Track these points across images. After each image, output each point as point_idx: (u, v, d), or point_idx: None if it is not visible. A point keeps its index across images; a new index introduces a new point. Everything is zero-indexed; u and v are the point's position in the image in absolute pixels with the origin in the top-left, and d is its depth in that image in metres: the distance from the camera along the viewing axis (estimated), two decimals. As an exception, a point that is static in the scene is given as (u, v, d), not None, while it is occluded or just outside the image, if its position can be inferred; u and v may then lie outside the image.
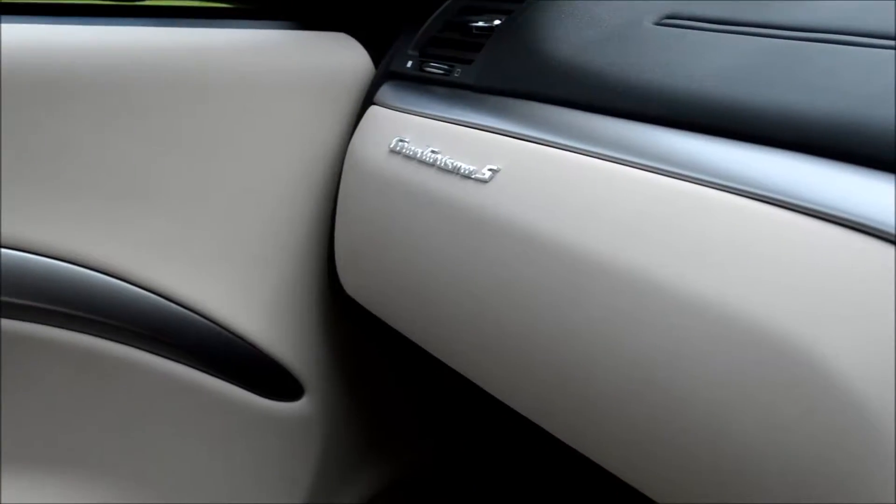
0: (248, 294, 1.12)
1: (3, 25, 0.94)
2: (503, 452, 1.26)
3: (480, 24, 1.04)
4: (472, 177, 0.89)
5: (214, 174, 1.09)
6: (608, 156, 0.78)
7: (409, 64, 1.11)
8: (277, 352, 1.13)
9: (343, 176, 1.10)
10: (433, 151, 0.96)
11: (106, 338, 1.04)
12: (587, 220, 0.76)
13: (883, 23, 0.75)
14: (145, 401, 1.10)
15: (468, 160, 0.90)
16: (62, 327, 1.01)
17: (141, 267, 1.05)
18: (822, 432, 0.59)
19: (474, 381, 0.94)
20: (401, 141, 1.01)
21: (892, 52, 0.72)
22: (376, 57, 1.17)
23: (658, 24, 0.87)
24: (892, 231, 0.59)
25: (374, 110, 1.10)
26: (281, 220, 1.13)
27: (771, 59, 0.77)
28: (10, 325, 0.98)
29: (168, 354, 1.08)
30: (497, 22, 1.03)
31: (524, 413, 0.87)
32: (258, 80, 1.09)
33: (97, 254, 1.02)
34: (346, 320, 1.16)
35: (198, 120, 1.06)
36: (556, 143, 0.83)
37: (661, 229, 0.71)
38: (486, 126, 0.92)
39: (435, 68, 1.06)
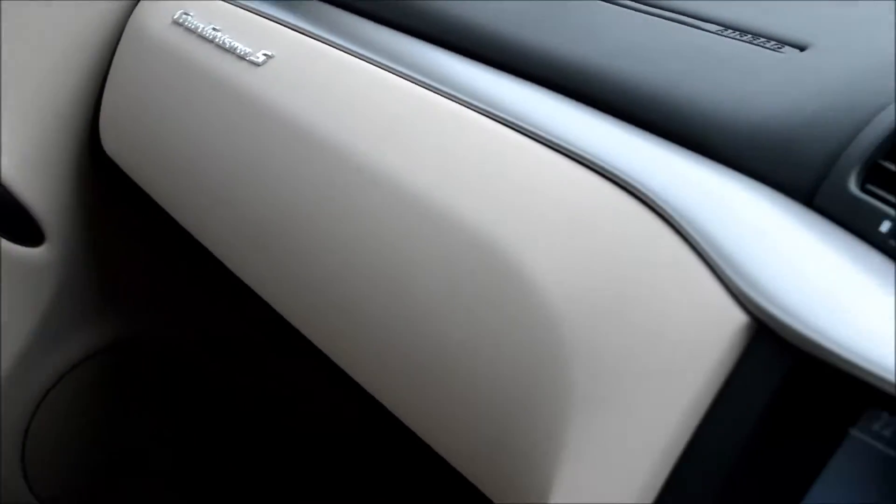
0: (8, 134, 1.12)
1: None
2: (238, 335, 1.30)
3: None
4: (247, 58, 0.92)
5: None
6: (376, 61, 0.83)
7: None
8: (23, 192, 1.13)
9: (122, 38, 1.10)
10: (214, 29, 0.98)
11: None
12: (348, 117, 0.81)
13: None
14: None
15: (246, 42, 0.94)
16: None
17: None
18: (521, 341, 0.67)
19: (225, 262, 0.98)
20: (185, 14, 1.02)
21: (652, 17, 0.81)
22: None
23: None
24: (603, 166, 0.67)
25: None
26: (51, 67, 1.13)
27: (545, 6, 0.84)
28: None
29: None
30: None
31: (259, 292, 0.92)
32: None
33: None
34: (101, 178, 1.17)
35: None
36: (329, 40, 0.88)
37: (415, 138, 0.77)
38: (268, 14, 0.96)
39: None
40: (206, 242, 0.99)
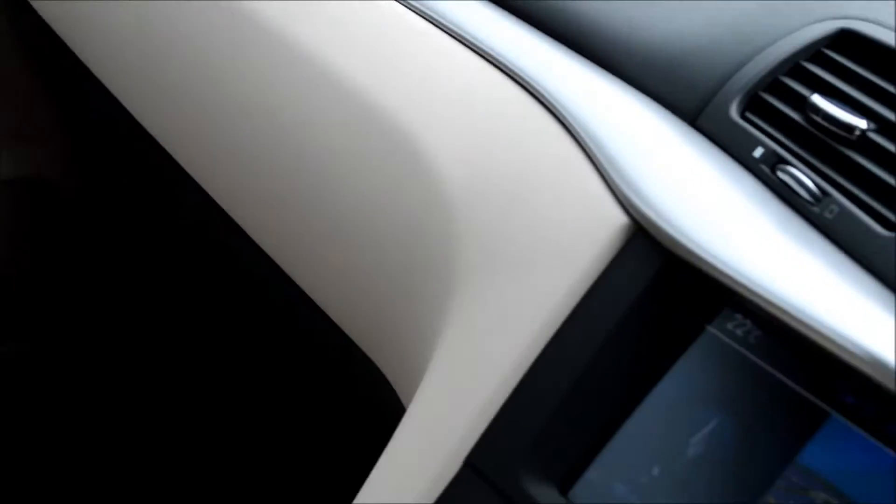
0: None
1: None
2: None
3: None
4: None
5: None
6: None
7: None
8: None
9: None
10: None
11: None
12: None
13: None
14: None
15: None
16: None
17: None
18: (416, 216, 0.71)
19: (136, 117, 0.98)
20: None
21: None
22: None
23: None
24: (508, 65, 0.71)
25: None
26: None
27: None
28: None
29: None
30: None
31: (175, 154, 0.93)
32: None
33: None
34: (26, 20, 1.14)
35: None
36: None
37: (333, 19, 0.79)
38: None
39: None
40: (126, 101, 0.98)
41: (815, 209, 0.59)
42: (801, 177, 0.61)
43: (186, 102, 0.88)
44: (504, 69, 0.72)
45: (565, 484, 0.60)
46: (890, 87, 0.62)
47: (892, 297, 0.55)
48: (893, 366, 0.50)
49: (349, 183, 0.74)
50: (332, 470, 0.85)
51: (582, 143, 0.67)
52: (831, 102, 0.62)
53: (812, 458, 0.54)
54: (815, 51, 0.66)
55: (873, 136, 0.60)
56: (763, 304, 0.55)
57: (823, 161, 0.61)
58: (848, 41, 0.65)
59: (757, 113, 0.66)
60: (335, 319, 0.79)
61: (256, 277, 0.87)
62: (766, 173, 0.62)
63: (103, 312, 1.29)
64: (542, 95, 0.70)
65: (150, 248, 1.27)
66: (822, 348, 0.53)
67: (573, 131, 0.67)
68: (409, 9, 0.78)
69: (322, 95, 0.77)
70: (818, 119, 0.62)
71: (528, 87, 0.71)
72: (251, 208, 0.84)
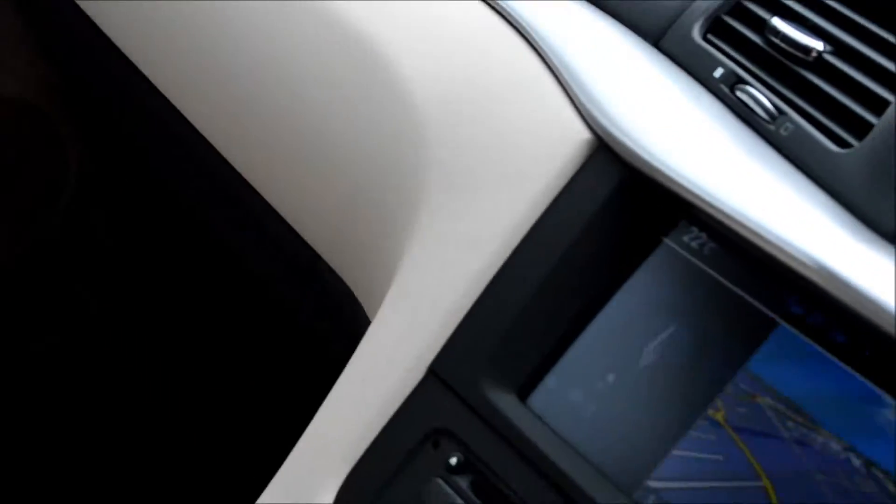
0: None
1: None
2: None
3: None
4: None
5: None
6: None
7: None
8: None
9: None
10: None
11: None
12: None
13: None
14: None
15: None
16: None
17: None
18: (386, 127, 0.72)
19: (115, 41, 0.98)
20: None
21: None
22: None
23: None
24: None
25: None
26: None
27: None
28: None
29: None
30: None
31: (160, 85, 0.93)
32: None
33: None
34: None
35: None
36: None
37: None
38: None
39: None
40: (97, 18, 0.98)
41: (771, 127, 0.61)
42: (759, 96, 0.62)
43: (163, 25, 0.88)
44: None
45: (524, 391, 0.62)
46: (846, 11, 0.63)
47: (842, 211, 0.57)
48: (839, 274, 0.52)
49: (324, 102, 0.75)
50: (299, 384, 0.86)
51: (549, 61, 0.68)
52: (790, 25, 0.64)
53: (760, 366, 0.56)
54: (776, -25, 0.67)
55: (829, 57, 0.62)
56: (717, 216, 0.57)
57: (780, 81, 0.63)
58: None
59: (718, 35, 0.67)
60: (304, 235, 0.81)
61: (229, 193, 0.88)
62: (725, 93, 0.64)
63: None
64: (512, 17, 0.71)
65: (132, 173, 1.27)
66: (772, 258, 0.55)
67: (540, 51, 0.69)
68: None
69: (299, 20, 0.77)
70: (777, 41, 0.64)
71: (498, 10, 0.72)
72: (224, 126, 0.85)
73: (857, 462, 0.53)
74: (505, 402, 0.61)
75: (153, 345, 1.26)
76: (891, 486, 0.52)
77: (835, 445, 0.54)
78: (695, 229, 0.60)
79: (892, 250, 0.54)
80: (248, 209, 0.86)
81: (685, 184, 0.58)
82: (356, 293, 0.78)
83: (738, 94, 0.63)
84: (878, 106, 0.59)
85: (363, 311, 0.77)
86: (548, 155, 0.63)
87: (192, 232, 1.22)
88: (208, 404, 1.20)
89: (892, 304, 0.51)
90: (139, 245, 1.29)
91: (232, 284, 1.22)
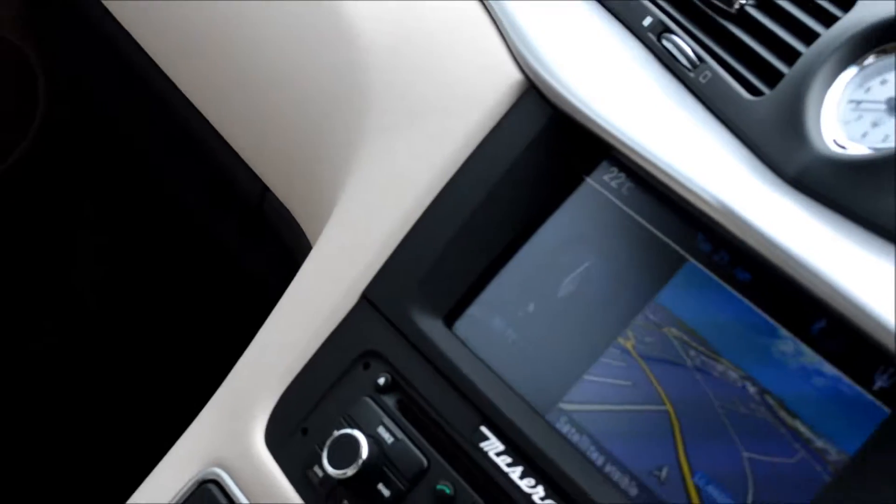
0: None
1: None
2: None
3: None
4: None
5: None
6: None
7: None
8: None
9: None
10: None
11: None
12: None
13: None
14: None
15: None
16: None
17: None
18: (331, 65, 0.75)
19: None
20: None
21: None
22: None
23: None
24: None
25: None
26: None
27: None
28: None
29: None
30: None
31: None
32: None
33: None
34: None
35: None
36: None
37: None
38: None
39: None
40: None
41: (692, 74, 0.64)
42: (682, 44, 0.65)
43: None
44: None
45: (450, 318, 0.65)
46: (770, -35, 0.66)
47: (750, 155, 0.60)
48: (741, 214, 0.56)
49: (276, 41, 0.77)
50: (245, 309, 0.89)
51: (488, 6, 0.71)
52: (717, -23, 0.67)
53: (668, 299, 0.60)
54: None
55: (751, 10, 0.65)
56: (633, 157, 0.60)
57: (704, 31, 0.66)
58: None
59: (649, -15, 0.70)
60: (253, 166, 0.83)
61: (180, 126, 0.90)
62: (652, 40, 0.67)
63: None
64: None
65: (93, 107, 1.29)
66: (682, 198, 0.59)
67: (480, -5, 0.72)
68: None
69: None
70: (703, -8, 0.67)
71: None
72: (178, 59, 0.87)
73: (752, 389, 0.57)
74: (431, 327, 0.65)
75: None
76: (782, 412, 0.56)
77: (733, 374, 0.57)
78: (615, 169, 0.63)
79: (793, 193, 0.58)
80: (199, 137, 0.88)
81: (605, 125, 0.61)
82: (301, 224, 0.81)
83: (664, 42, 0.66)
84: (792, 57, 0.62)
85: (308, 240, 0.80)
86: (480, 96, 0.66)
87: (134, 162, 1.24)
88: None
89: (788, 242, 0.55)
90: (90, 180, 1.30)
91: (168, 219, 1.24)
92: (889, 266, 0.54)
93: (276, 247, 0.88)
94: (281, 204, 0.84)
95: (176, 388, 1.02)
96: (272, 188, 0.83)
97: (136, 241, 1.29)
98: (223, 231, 1.05)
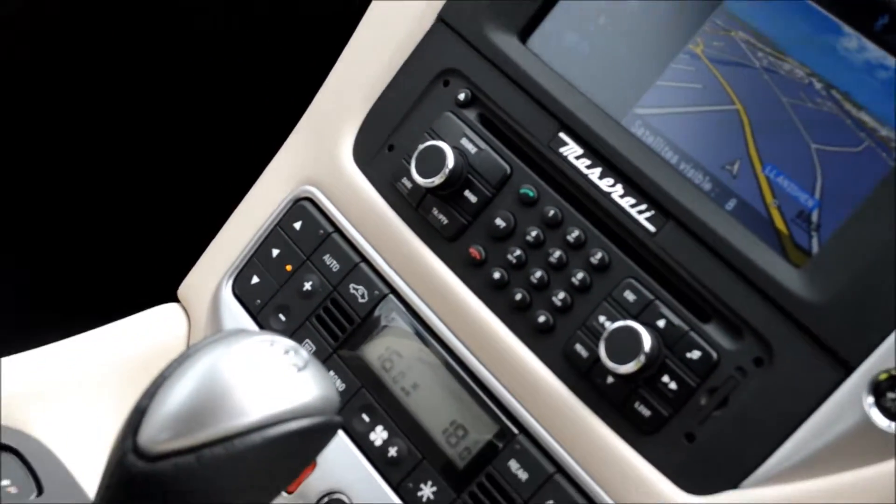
0: None
1: None
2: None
3: None
4: None
5: None
6: None
7: None
8: None
9: None
10: None
11: None
12: None
13: None
14: None
15: None
16: None
17: None
18: None
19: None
20: None
21: None
22: None
23: None
24: None
25: None
26: None
27: None
28: None
29: None
30: None
31: None
32: None
33: None
34: None
35: None
36: None
37: None
38: None
39: None
40: None
41: None
42: None
43: None
44: None
45: (524, 34, 0.68)
46: None
47: None
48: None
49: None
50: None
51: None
52: None
53: (735, 4, 0.63)
54: None
55: None
56: None
57: None
58: None
59: None
60: None
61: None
62: None
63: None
64: None
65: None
66: None
67: None
68: None
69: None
70: None
71: None
72: None
73: (819, 85, 0.60)
74: (507, 43, 0.68)
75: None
76: (848, 105, 0.59)
77: (800, 72, 0.61)
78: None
79: None
80: None
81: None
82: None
83: None
84: None
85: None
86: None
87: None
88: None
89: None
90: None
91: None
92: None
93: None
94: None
95: (263, 115, 1.04)
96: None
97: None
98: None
